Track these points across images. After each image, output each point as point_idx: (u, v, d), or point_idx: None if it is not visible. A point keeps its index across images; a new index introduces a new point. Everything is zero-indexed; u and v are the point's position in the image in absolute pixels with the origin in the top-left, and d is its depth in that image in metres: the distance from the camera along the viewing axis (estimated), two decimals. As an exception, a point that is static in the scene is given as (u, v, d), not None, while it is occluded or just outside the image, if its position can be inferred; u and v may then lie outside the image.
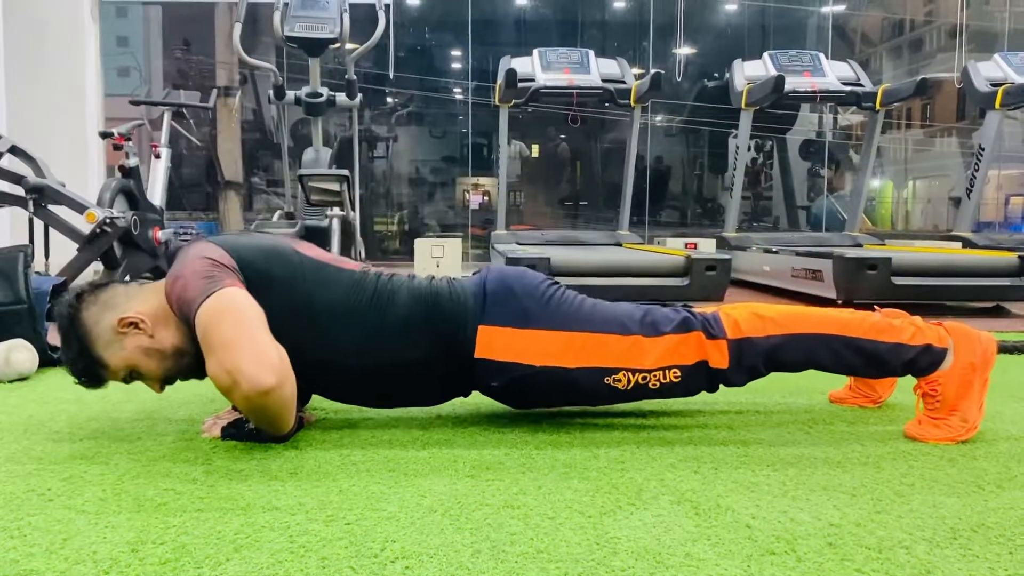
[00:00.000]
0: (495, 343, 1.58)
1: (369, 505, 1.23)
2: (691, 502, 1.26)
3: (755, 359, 1.62)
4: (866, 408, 1.91)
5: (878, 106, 5.55)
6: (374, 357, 1.59)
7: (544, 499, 1.26)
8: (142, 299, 1.59)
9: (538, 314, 1.60)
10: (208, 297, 1.43)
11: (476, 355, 1.59)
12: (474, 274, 1.72)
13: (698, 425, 1.74)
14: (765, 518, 1.19)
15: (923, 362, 1.62)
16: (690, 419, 1.79)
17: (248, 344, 1.40)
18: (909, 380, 1.69)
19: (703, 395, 2.00)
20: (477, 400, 1.85)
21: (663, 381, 1.61)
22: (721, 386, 1.67)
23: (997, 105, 5.37)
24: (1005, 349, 2.65)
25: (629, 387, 1.61)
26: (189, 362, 1.56)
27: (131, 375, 1.58)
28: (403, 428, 1.69)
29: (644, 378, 1.60)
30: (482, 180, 10.49)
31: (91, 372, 1.56)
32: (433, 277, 1.71)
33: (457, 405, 1.89)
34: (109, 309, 1.56)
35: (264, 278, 1.54)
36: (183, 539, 1.10)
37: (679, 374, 1.61)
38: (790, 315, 1.66)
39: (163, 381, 1.60)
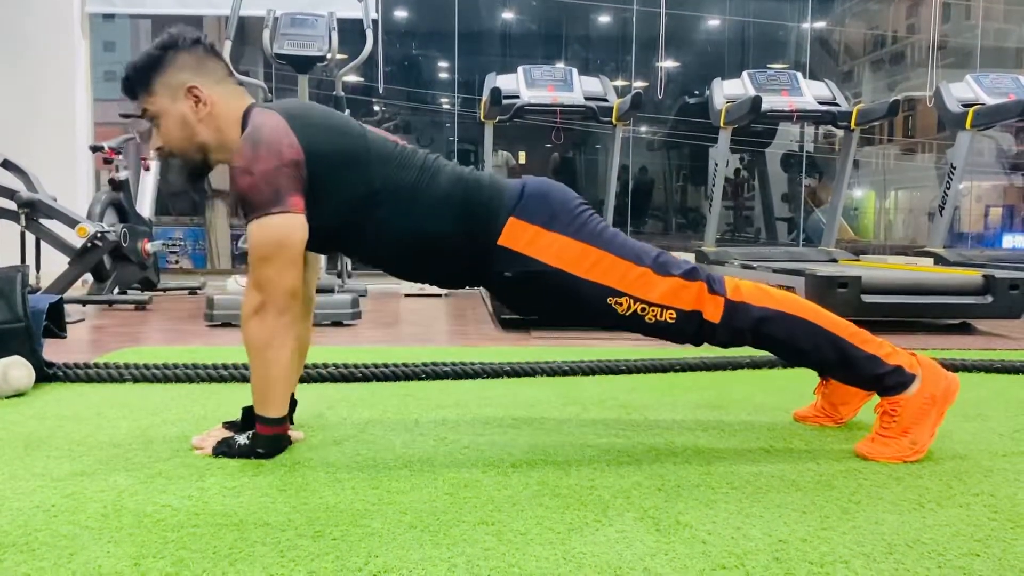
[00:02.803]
0: (520, 235, 1.69)
1: (354, 521, 1.33)
2: (653, 519, 1.36)
3: (744, 323, 1.72)
4: (827, 427, 2.02)
5: (853, 125, 5.69)
6: (409, 224, 1.70)
7: (517, 516, 1.36)
8: (223, 93, 1.73)
9: (565, 222, 1.71)
10: (266, 216, 1.58)
11: (499, 242, 1.69)
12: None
13: (666, 443, 1.84)
14: (720, 534, 1.29)
15: (891, 381, 1.72)
16: (658, 437, 1.89)
17: (282, 276, 1.60)
18: (874, 402, 1.80)
19: (672, 412, 2.12)
20: (458, 416, 1.94)
21: (659, 319, 1.72)
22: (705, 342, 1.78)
23: (968, 126, 5.53)
24: (963, 367, 2.77)
25: (627, 313, 1.71)
26: (196, 162, 1.75)
27: (155, 120, 1.73)
28: (386, 445, 1.79)
29: (643, 309, 1.71)
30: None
31: (135, 86, 1.72)
32: (477, 167, 1.82)
33: (438, 421, 1.99)
34: (198, 72, 1.71)
35: (329, 156, 1.65)
36: (181, 553, 1.19)
37: (674, 316, 1.71)
38: (789, 297, 1.78)
39: (167, 150, 1.75)
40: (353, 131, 1.72)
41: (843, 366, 1.77)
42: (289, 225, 1.61)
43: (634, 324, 1.74)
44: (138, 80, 1.72)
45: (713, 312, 1.72)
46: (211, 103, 1.71)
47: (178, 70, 1.70)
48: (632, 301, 1.70)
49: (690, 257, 6.09)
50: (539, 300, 1.80)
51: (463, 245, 1.72)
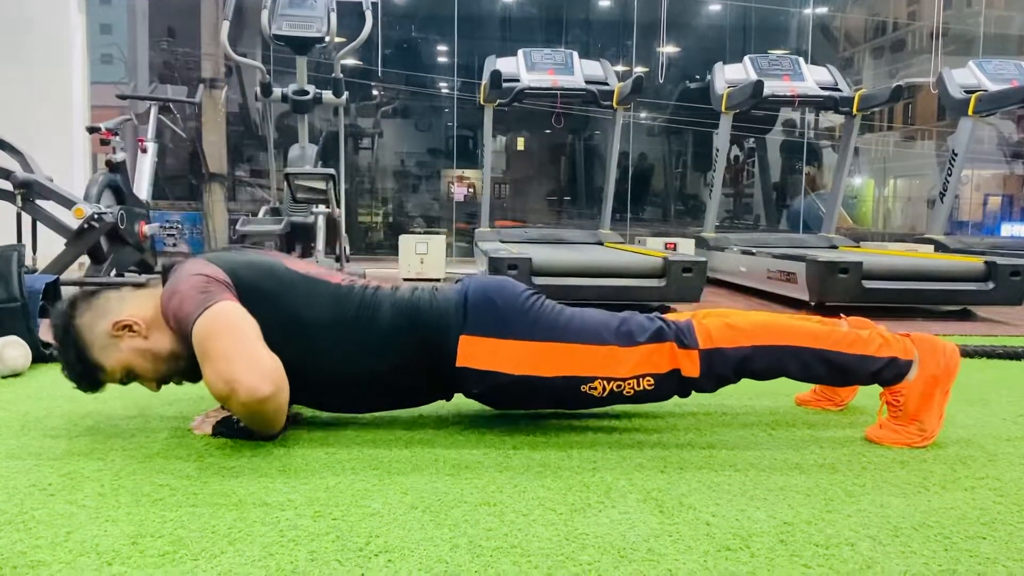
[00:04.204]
0: (476, 352, 1.66)
1: (354, 502, 1.31)
2: (656, 500, 1.34)
3: (725, 368, 1.69)
4: (829, 411, 2.01)
5: (855, 111, 5.66)
6: (360, 367, 1.66)
7: (519, 497, 1.35)
8: (136, 303, 1.66)
9: (517, 325, 1.67)
10: (205, 311, 1.50)
11: (457, 363, 1.66)
12: (456, 282, 1.79)
13: (668, 427, 1.83)
14: (724, 516, 1.28)
15: (888, 374, 1.70)
16: (660, 421, 1.88)
17: (244, 355, 1.47)
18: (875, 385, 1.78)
19: (674, 398, 2.10)
20: (458, 401, 1.93)
21: (637, 388, 1.69)
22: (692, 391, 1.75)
23: (970, 112, 5.50)
24: (965, 353, 2.76)
25: (604, 394, 1.69)
26: (184, 365, 1.63)
27: (128, 376, 1.65)
28: (386, 428, 1.77)
29: (619, 386, 1.69)
30: (467, 172, 10.55)
31: (89, 376, 1.64)
32: (416, 288, 1.77)
33: (439, 407, 1.97)
34: (103, 315, 1.64)
35: (256, 294, 1.61)
36: (180, 532, 1.18)
37: (652, 382, 1.69)
38: (761, 326, 1.73)
39: (159, 381, 1.68)
40: (278, 272, 1.67)
41: (835, 375, 1.75)
42: (231, 309, 1.52)
43: (615, 400, 1.72)
44: (85, 370, 1.63)
45: (691, 368, 1.68)
46: (137, 318, 1.63)
47: (91, 331, 1.62)
48: (605, 383, 1.68)
49: (691, 243, 6.08)
50: (515, 402, 1.80)
51: (422, 373, 1.70)
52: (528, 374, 1.66)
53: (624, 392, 1.69)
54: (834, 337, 1.71)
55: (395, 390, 1.73)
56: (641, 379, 1.68)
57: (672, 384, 1.70)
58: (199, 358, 1.50)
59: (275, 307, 1.62)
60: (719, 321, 1.73)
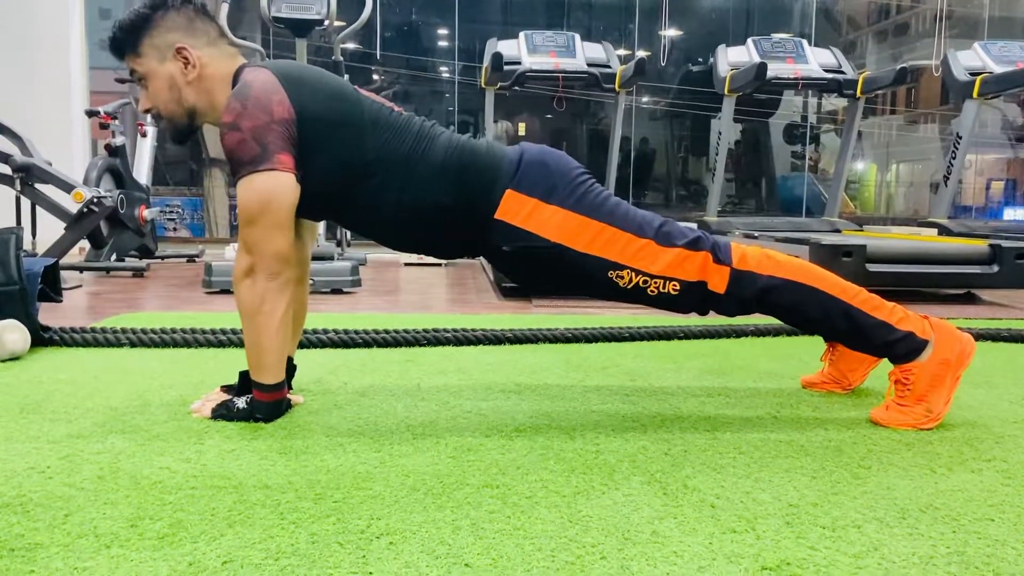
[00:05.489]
0: (517, 209, 1.64)
1: (355, 484, 1.30)
2: (660, 483, 1.33)
3: (751, 292, 1.68)
4: (835, 393, 1.99)
5: (859, 93, 5.62)
6: (404, 195, 1.64)
7: (522, 479, 1.34)
8: (213, 55, 1.67)
9: (564, 194, 1.65)
10: (254, 173, 1.53)
11: (496, 215, 1.64)
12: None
13: (671, 409, 1.81)
14: (729, 498, 1.27)
15: (903, 348, 1.69)
16: (664, 403, 1.86)
17: (272, 237, 1.56)
18: (883, 369, 1.77)
19: (677, 379, 2.09)
20: (461, 382, 1.92)
21: (662, 290, 1.67)
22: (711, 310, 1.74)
23: (975, 94, 5.46)
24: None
25: (629, 286, 1.67)
26: (183, 123, 1.69)
27: (143, 81, 1.68)
28: (387, 410, 1.76)
29: (645, 281, 1.67)
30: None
31: (122, 45, 1.66)
32: (474, 135, 1.76)
33: (439, 388, 1.96)
34: (188, 33, 1.66)
35: (321, 119, 1.59)
36: (179, 515, 1.16)
37: (678, 287, 1.67)
38: (797, 264, 1.73)
39: (155, 111, 1.69)
40: (348, 96, 1.65)
41: (853, 334, 1.73)
42: (277, 184, 1.55)
43: (637, 297, 1.70)
44: (125, 39, 1.66)
45: (718, 283, 1.67)
46: (200, 65, 1.65)
47: (167, 31, 1.64)
48: (634, 274, 1.66)
49: (693, 227, 6.05)
50: (538, 273, 1.76)
51: (459, 217, 1.67)
52: (562, 243, 1.64)
53: (648, 290, 1.67)
54: (862, 296, 1.71)
55: (429, 229, 1.71)
56: (668, 281, 1.67)
57: (695, 296, 1.69)
58: (238, 215, 1.57)
59: (334, 131, 1.60)
60: (758, 251, 1.73)
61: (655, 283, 1.67)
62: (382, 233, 1.75)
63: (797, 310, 1.72)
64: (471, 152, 1.68)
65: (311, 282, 2.08)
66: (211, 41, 1.68)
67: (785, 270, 1.70)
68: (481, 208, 1.65)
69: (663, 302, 1.70)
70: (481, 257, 1.87)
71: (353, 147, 1.62)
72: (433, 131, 1.69)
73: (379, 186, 1.63)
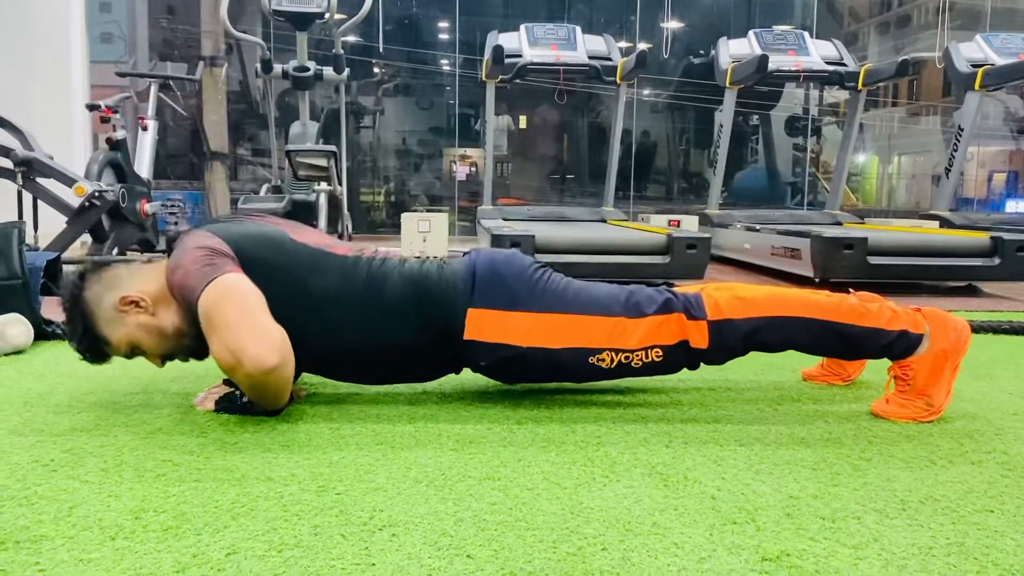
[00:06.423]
0: (484, 325, 1.65)
1: (358, 476, 1.31)
2: (661, 475, 1.34)
3: (734, 339, 1.68)
4: (835, 386, 2.00)
5: (860, 86, 5.61)
6: (368, 340, 1.65)
7: (523, 471, 1.34)
8: (144, 278, 1.65)
9: (525, 297, 1.66)
10: (210, 283, 1.48)
11: (465, 336, 1.65)
12: (464, 255, 1.78)
13: (672, 402, 1.82)
14: (729, 490, 1.27)
15: (899, 347, 1.69)
16: (664, 396, 1.87)
17: (250, 325, 1.46)
18: (883, 360, 1.77)
19: (681, 373, 2.09)
20: (463, 376, 1.92)
21: (645, 360, 1.68)
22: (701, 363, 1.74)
23: (977, 86, 5.45)
24: (972, 328, 2.74)
25: (612, 366, 1.68)
26: (189, 343, 1.62)
27: (133, 351, 1.65)
28: (390, 403, 1.77)
29: (627, 357, 1.67)
30: (469, 151, 10.49)
31: (94, 349, 1.64)
32: (424, 260, 1.76)
33: (443, 382, 1.96)
34: (111, 288, 1.63)
35: (260, 267, 1.59)
36: (183, 507, 1.17)
37: (661, 353, 1.68)
38: (771, 297, 1.71)
39: (164, 358, 1.67)
40: (283, 244, 1.65)
41: (846, 347, 1.73)
42: (236, 281, 1.50)
43: (624, 372, 1.70)
44: (92, 343, 1.63)
45: (699, 339, 1.67)
46: (144, 293, 1.62)
47: (97, 305, 1.62)
48: (614, 354, 1.66)
49: (694, 221, 6.05)
50: (523, 375, 1.77)
51: (430, 346, 1.68)
52: (536, 346, 1.64)
53: (632, 364, 1.68)
54: (843, 309, 1.69)
55: (402, 363, 1.72)
56: (649, 351, 1.67)
57: (681, 356, 1.69)
58: (205, 330, 1.49)
59: (280, 280, 1.60)
60: (728, 293, 1.72)
61: (637, 356, 1.67)
62: (358, 374, 1.77)
63: (785, 343, 1.71)
64: (423, 282, 1.67)
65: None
66: (129, 274, 1.66)
67: (760, 308, 1.68)
68: (449, 334, 1.66)
69: (651, 370, 1.71)
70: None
71: (300, 293, 1.61)
72: (384, 268, 1.69)
73: (341, 331, 1.63)
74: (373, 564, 1.00)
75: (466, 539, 1.08)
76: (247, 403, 1.64)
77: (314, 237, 1.74)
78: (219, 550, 1.04)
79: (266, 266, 1.60)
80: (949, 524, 1.16)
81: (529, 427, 1.60)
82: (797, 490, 1.28)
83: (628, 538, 1.09)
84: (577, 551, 1.05)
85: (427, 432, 1.55)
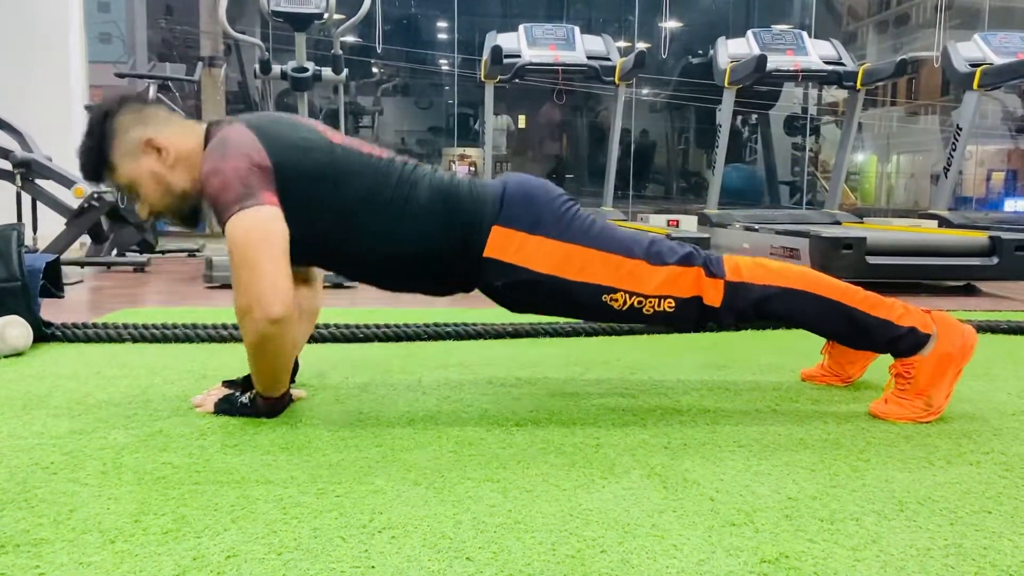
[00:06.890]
0: (505, 244, 1.64)
1: (357, 478, 1.31)
2: (660, 476, 1.34)
3: (747, 303, 1.68)
4: (834, 387, 2.00)
5: (859, 85, 5.61)
6: (391, 243, 1.64)
7: (522, 473, 1.34)
8: (178, 132, 1.66)
9: (551, 224, 1.66)
10: (244, 209, 1.49)
11: (485, 253, 1.65)
12: (495, 178, 1.78)
13: (671, 403, 1.82)
14: (728, 491, 1.28)
15: (906, 343, 1.69)
16: (663, 397, 1.87)
17: (271, 272, 1.49)
18: (882, 361, 1.77)
19: (676, 373, 2.10)
20: (461, 376, 1.93)
21: (657, 309, 1.67)
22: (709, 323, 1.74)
23: (975, 86, 5.45)
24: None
25: (624, 308, 1.67)
26: (186, 209, 1.66)
27: (131, 189, 1.66)
28: (389, 405, 1.77)
29: (640, 302, 1.67)
30: (468, 151, 10.49)
31: (96, 168, 1.65)
32: (455, 172, 1.76)
33: (442, 382, 1.97)
34: (144, 124, 1.64)
35: (296, 173, 1.58)
36: (182, 510, 1.17)
37: (673, 304, 1.67)
38: (792, 271, 1.73)
39: (154, 212, 1.68)
40: (321, 147, 1.64)
41: (855, 335, 1.74)
42: (268, 218, 1.51)
43: (633, 317, 1.70)
44: (96, 161, 1.64)
45: (713, 296, 1.67)
46: (172, 146, 1.63)
47: (126, 132, 1.62)
48: (628, 296, 1.66)
49: (693, 220, 6.05)
50: (533, 303, 1.76)
51: (448, 259, 1.68)
52: (553, 274, 1.64)
53: (644, 310, 1.67)
54: (859, 296, 1.70)
55: (416, 272, 1.71)
56: (663, 299, 1.67)
57: (691, 311, 1.68)
58: (230, 256, 1.52)
59: (313, 183, 1.60)
60: (750, 261, 1.73)
61: (650, 302, 1.67)
62: (373, 278, 1.77)
63: (796, 316, 1.72)
64: (455, 193, 1.67)
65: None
66: (167, 122, 1.67)
67: (780, 278, 1.69)
68: (469, 248, 1.65)
69: (660, 320, 1.70)
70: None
71: (330, 198, 1.61)
72: (415, 174, 1.68)
73: (364, 234, 1.63)
74: (373, 567, 1.00)
75: (465, 541, 1.08)
76: (246, 404, 1.64)
77: (350, 139, 1.73)
78: (219, 553, 1.04)
79: (301, 171, 1.59)
80: (947, 525, 1.16)
81: (528, 429, 1.60)
82: (796, 491, 1.28)
83: (627, 540, 1.09)
84: (576, 553, 1.05)
85: (426, 434, 1.56)
